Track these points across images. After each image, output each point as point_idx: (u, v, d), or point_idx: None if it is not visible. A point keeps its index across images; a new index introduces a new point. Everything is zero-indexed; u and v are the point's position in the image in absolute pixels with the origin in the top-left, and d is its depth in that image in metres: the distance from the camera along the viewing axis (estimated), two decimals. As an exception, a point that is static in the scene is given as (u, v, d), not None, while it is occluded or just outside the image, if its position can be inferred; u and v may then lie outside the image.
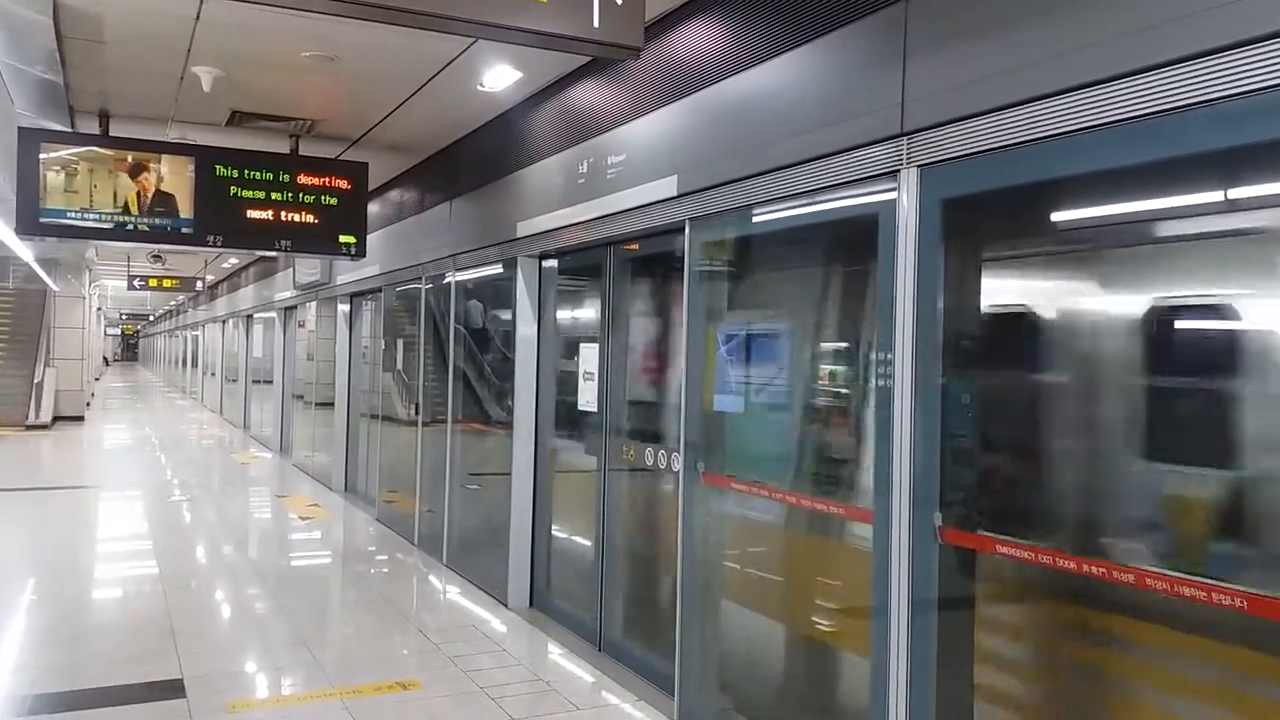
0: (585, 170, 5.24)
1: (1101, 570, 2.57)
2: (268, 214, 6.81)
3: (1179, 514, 2.61)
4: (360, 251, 7.15)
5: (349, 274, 10.25)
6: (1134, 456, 2.74)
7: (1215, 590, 2.30)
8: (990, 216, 3.18)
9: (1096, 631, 2.80)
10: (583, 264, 5.82)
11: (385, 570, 7.48)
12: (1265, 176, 2.37)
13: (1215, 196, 2.57)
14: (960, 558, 3.02)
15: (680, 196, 4.33)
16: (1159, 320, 2.66)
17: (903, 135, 3.08)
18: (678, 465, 4.36)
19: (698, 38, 4.30)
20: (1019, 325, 3.06)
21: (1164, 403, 2.67)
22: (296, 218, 6.90)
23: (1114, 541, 2.72)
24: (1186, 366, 2.62)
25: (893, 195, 3.12)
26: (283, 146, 7.30)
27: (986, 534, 2.98)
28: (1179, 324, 2.64)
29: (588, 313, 5.96)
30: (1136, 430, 2.74)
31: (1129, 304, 2.77)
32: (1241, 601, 2.26)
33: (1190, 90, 2.29)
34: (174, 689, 4.57)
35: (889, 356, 3.10)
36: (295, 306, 13.73)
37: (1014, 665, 3.10)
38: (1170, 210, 2.69)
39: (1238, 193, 2.50)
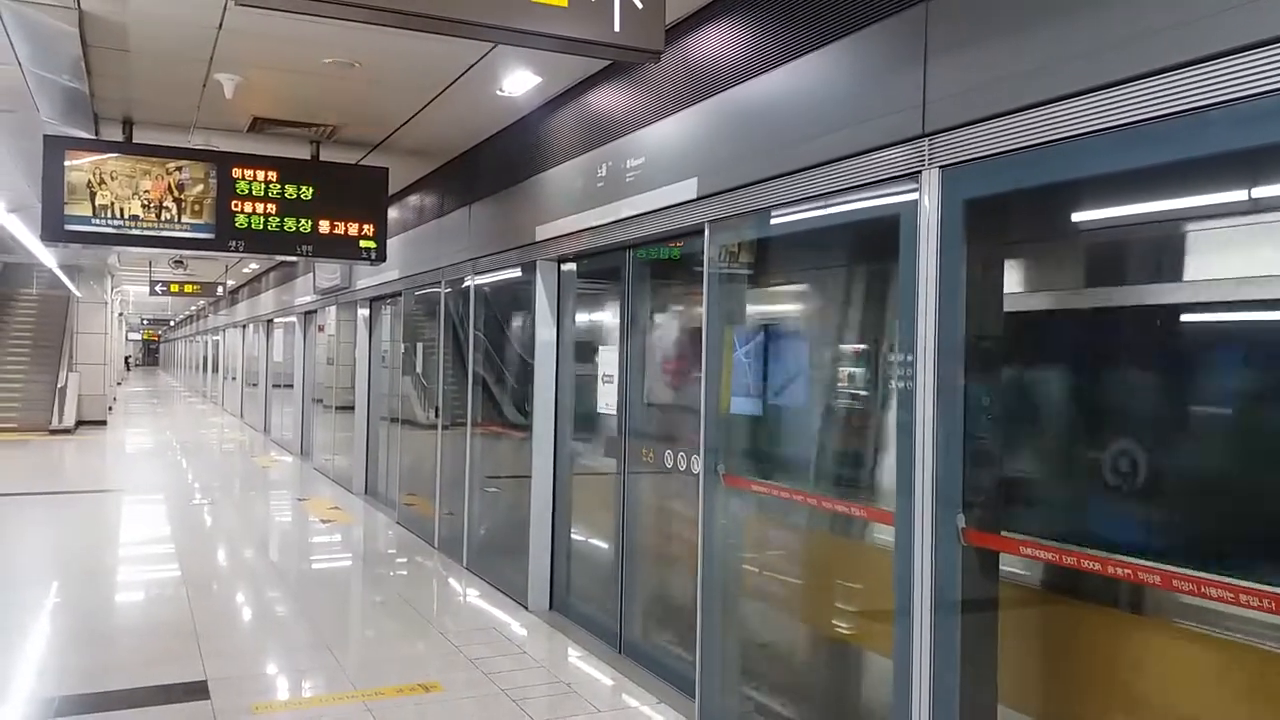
0: (604, 173, 5.25)
1: (1126, 571, 2.56)
2: (289, 219, 6.87)
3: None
4: (380, 256, 7.20)
5: (369, 278, 10.31)
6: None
7: (1242, 591, 2.29)
8: (1012, 217, 3.17)
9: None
10: (602, 267, 5.84)
11: (405, 573, 7.51)
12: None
13: (1239, 196, 2.56)
14: (983, 559, 3.01)
15: (700, 199, 4.33)
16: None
17: (924, 136, 3.08)
18: (698, 467, 4.36)
19: (718, 40, 4.31)
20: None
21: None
22: (317, 223, 6.95)
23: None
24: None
25: (914, 196, 3.11)
26: (304, 152, 7.37)
27: (1010, 534, 2.97)
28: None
29: (607, 315, 5.97)
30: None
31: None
32: (1270, 602, 2.24)
33: (1212, 90, 2.27)
34: (198, 691, 4.61)
35: (910, 358, 3.09)
36: (315, 311, 13.81)
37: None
38: (1191, 210, 2.69)
39: (1261, 191, 2.48)
